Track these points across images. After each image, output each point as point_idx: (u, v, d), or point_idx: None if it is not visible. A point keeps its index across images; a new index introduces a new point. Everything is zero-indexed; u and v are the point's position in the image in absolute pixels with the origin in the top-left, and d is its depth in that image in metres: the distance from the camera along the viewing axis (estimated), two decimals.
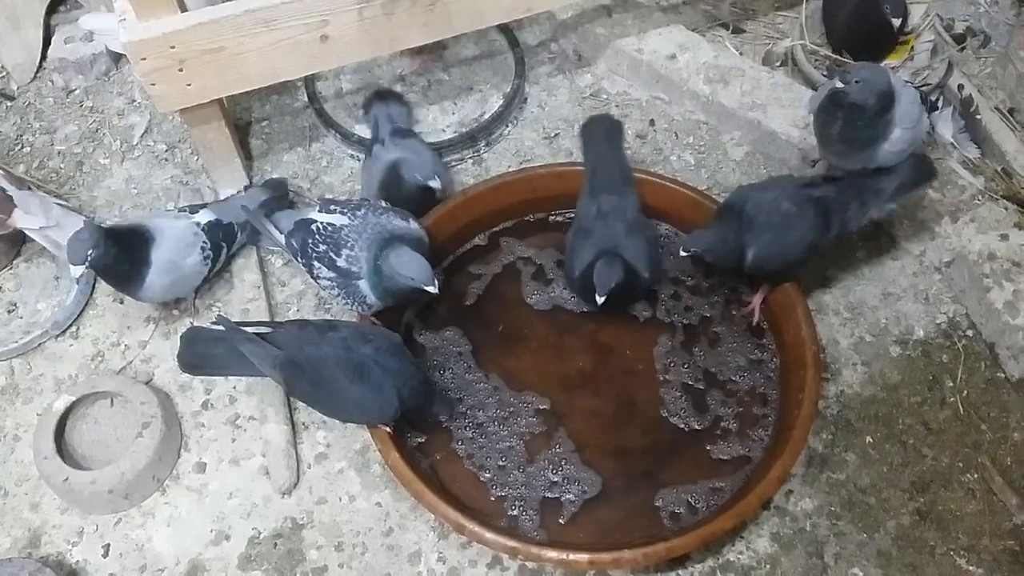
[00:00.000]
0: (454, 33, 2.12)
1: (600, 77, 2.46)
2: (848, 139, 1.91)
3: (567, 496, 1.80)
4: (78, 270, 1.79)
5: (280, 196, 2.15)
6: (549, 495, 1.80)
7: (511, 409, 1.90)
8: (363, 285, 1.83)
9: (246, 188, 2.21)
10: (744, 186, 1.97)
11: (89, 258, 1.78)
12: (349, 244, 1.84)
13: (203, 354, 1.82)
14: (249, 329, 1.80)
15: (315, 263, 1.87)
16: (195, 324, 2.03)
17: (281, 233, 1.95)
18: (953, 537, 1.80)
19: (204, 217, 2.01)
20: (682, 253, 1.88)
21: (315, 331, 1.76)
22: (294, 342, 1.75)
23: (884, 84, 1.85)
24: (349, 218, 1.87)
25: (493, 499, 1.80)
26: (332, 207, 1.90)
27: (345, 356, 1.70)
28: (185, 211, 2.05)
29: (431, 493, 1.69)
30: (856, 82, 1.83)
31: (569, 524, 1.77)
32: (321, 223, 1.87)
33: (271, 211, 2.03)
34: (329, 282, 1.86)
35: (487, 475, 1.82)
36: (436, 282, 1.78)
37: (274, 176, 2.26)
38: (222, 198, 2.18)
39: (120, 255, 1.84)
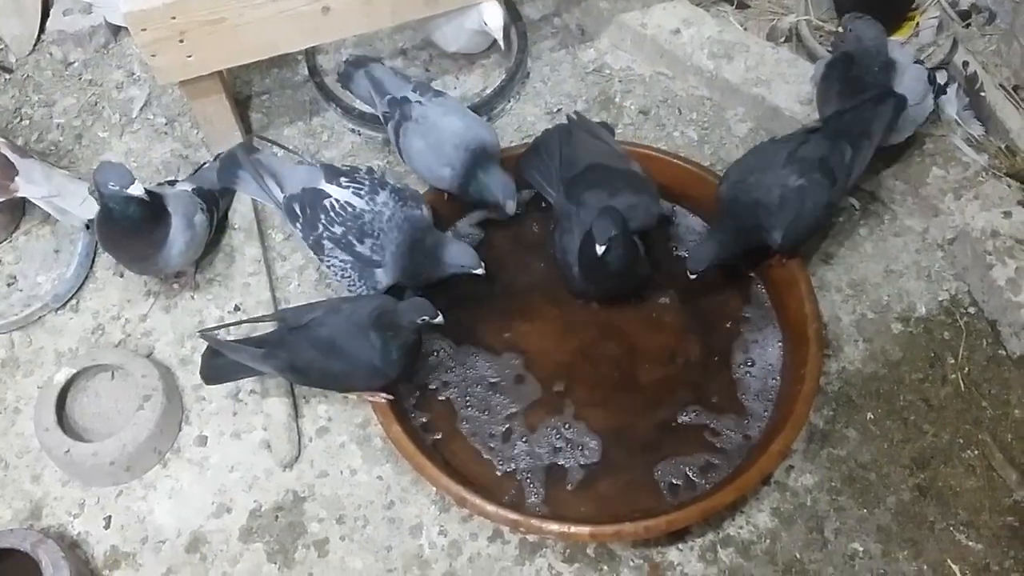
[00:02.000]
0: (456, 6, 2.11)
1: (603, 52, 2.44)
2: (845, 96, 1.92)
3: (571, 463, 1.80)
4: (138, 187, 1.76)
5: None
6: (555, 462, 1.81)
7: (510, 378, 1.90)
8: (380, 272, 1.83)
9: (216, 158, 2.18)
10: (732, 171, 1.91)
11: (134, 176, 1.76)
12: (374, 234, 1.82)
13: (221, 365, 1.83)
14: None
15: (326, 242, 1.83)
16: (199, 306, 2.04)
17: (282, 193, 1.89)
18: (953, 513, 1.80)
19: (188, 185, 2.02)
20: (691, 277, 1.86)
21: (293, 318, 1.78)
22: (275, 335, 1.78)
23: (878, 35, 1.87)
24: (368, 202, 1.83)
25: (499, 474, 1.80)
26: (343, 181, 1.85)
27: (317, 336, 1.71)
28: (164, 185, 2.05)
29: (432, 466, 1.69)
30: (849, 30, 1.86)
31: (573, 494, 1.77)
32: (336, 200, 1.83)
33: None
34: (341, 264, 1.84)
35: (492, 445, 1.83)
36: (482, 265, 1.87)
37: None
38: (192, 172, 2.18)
39: (148, 203, 1.82)
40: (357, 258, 1.83)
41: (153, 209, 1.86)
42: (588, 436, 1.83)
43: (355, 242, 1.82)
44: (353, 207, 1.83)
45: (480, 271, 1.88)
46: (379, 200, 1.84)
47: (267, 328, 1.84)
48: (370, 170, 1.94)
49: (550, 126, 2.10)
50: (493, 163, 1.97)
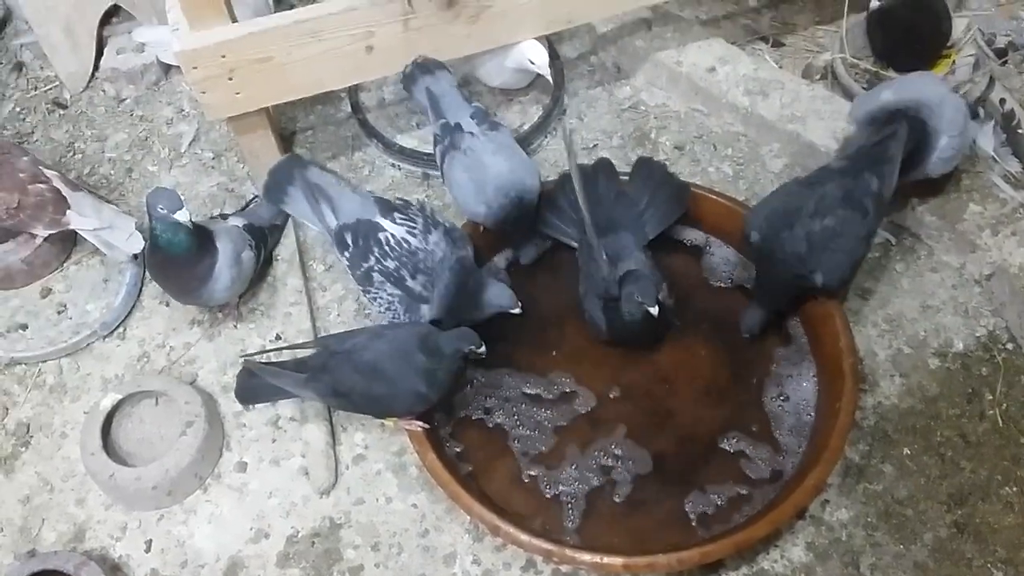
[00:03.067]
0: (496, 45, 2.16)
1: (639, 89, 2.48)
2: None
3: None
4: (185, 213, 1.80)
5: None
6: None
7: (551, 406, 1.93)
8: (425, 308, 1.86)
9: (256, 198, 2.24)
10: (759, 218, 1.90)
11: (184, 203, 1.80)
12: (427, 271, 1.85)
13: (256, 387, 1.87)
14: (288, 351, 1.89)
15: (376, 275, 1.86)
16: (242, 335, 2.08)
17: (335, 220, 1.90)
18: (991, 550, 1.78)
19: (238, 221, 2.07)
20: (747, 336, 1.93)
21: (336, 343, 1.82)
22: (316, 360, 1.81)
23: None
24: (421, 241, 1.86)
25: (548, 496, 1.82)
26: (398, 217, 1.88)
27: (360, 360, 1.75)
28: (216, 219, 2.11)
29: (467, 494, 1.71)
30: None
31: (608, 521, 1.79)
32: (391, 235, 1.86)
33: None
34: (389, 297, 1.86)
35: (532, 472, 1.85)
36: (519, 306, 1.91)
37: None
38: (239, 208, 2.24)
39: (196, 235, 1.87)
40: (407, 292, 1.85)
41: (201, 242, 1.90)
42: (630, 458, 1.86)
43: (407, 277, 1.85)
44: (408, 243, 1.86)
45: (518, 311, 1.90)
46: (431, 239, 1.87)
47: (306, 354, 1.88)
48: (422, 207, 1.95)
49: (586, 163, 2.14)
50: (527, 210, 1.99)
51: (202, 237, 1.91)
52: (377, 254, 1.86)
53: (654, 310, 1.80)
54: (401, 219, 1.88)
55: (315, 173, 1.95)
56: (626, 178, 2.10)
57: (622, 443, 1.87)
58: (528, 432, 1.89)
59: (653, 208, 2.03)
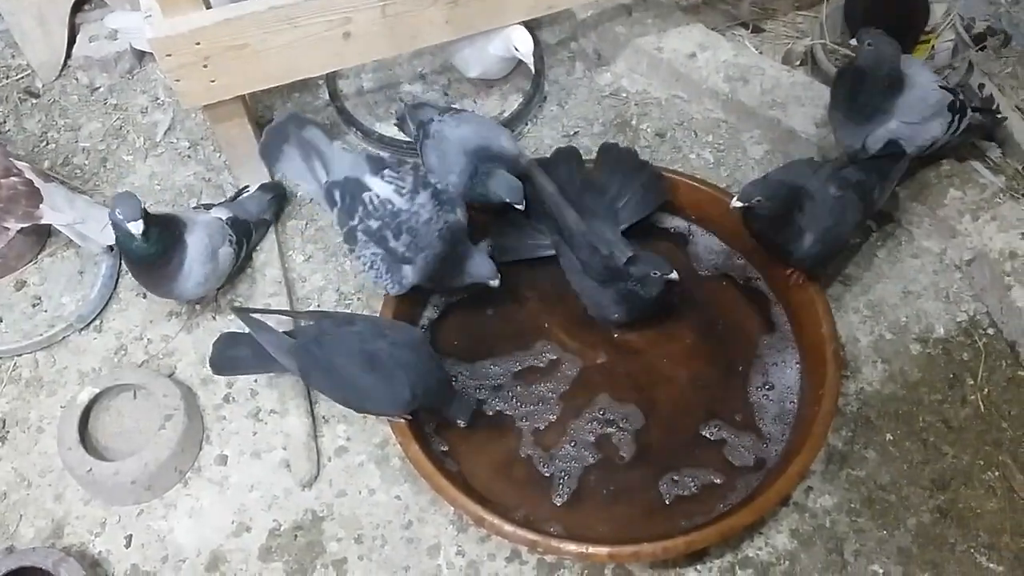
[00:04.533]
0: (475, 31, 2.14)
1: (619, 76, 2.47)
2: (848, 108, 1.98)
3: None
4: (138, 225, 1.76)
5: (279, 195, 2.20)
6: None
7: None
8: (407, 269, 1.85)
9: (245, 188, 2.21)
10: (791, 165, 1.95)
11: (143, 213, 1.76)
12: (412, 232, 1.84)
13: (232, 357, 1.86)
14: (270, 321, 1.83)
15: (360, 234, 1.86)
16: (221, 327, 2.04)
17: (325, 177, 1.91)
18: (974, 535, 1.79)
19: (223, 213, 2.04)
20: (736, 203, 1.83)
21: (332, 323, 1.80)
22: (310, 331, 1.79)
23: (893, 55, 1.89)
24: (407, 201, 1.85)
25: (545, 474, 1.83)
26: (387, 175, 1.88)
27: (359, 346, 1.73)
28: (200, 208, 2.08)
29: (451, 486, 1.70)
30: (868, 44, 1.87)
31: (592, 508, 1.79)
32: (376, 195, 1.86)
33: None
34: (371, 256, 1.86)
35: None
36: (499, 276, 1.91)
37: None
38: (226, 199, 2.20)
39: (160, 235, 1.84)
40: (389, 253, 1.85)
41: (165, 243, 1.86)
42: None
43: (390, 237, 1.84)
44: (392, 204, 1.85)
45: (495, 283, 1.90)
46: (418, 200, 1.86)
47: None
48: (416, 167, 1.95)
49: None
50: (499, 165, 1.95)
51: (166, 238, 1.86)
52: (361, 214, 1.86)
53: (674, 275, 1.82)
54: (391, 177, 1.88)
55: (312, 132, 1.95)
56: (591, 166, 2.10)
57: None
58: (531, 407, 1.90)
59: (628, 196, 2.03)
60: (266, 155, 2.00)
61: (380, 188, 1.87)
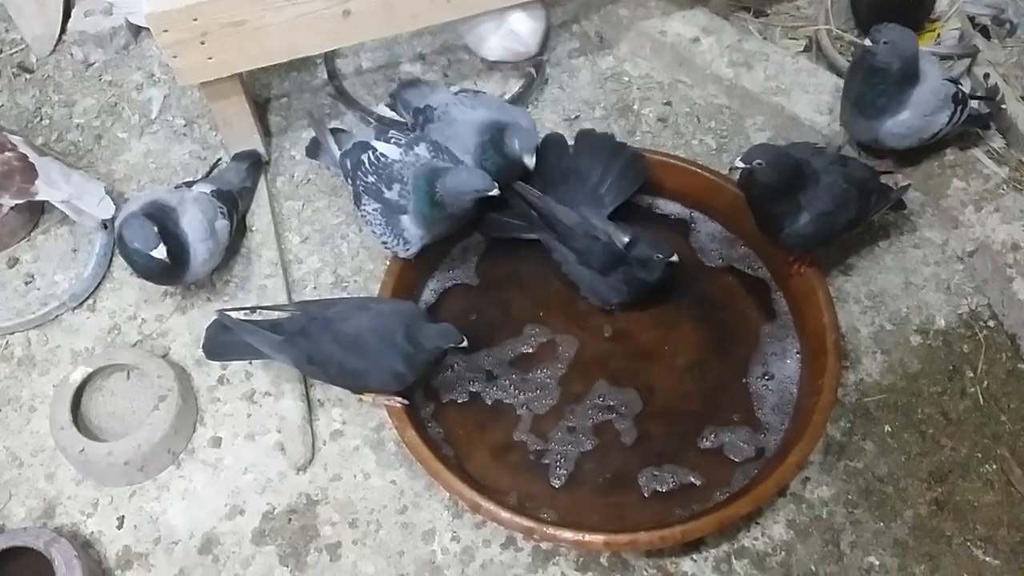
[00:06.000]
0: (476, 11, 2.12)
1: (622, 59, 2.44)
2: (860, 102, 1.96)
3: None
4: (161, 251, 1.78)
5: (255, 162, 2.18)
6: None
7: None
8: (405, 220, 1.84)
9: (219, 161, 2.21)
10: (797, 144, 1.94)
11: (159, 235, 1.78)
12: (402, 179, 1.84)
13: (225, 342, 1.84)
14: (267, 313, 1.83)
15: (362, 194, 1.88)
16: (215, 307, 2.01)
17: (340, 150, 1.98)
18: (970, 528, 1.79)
19: (206, 187, 2.02)
20: (738, 163, 1.78)
21: (318, 308, 1.79)
22: (295, 324, 1.77)
23: (911, 51, 1.86)
24: (402, 153, 1.88)
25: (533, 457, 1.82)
26: (392, 135, 1.93)
27: (343, 329, 1.71)
28: (182, 187, 2.05)
29: (447, 471, 1.68)
30: (884, 42, 1.85)
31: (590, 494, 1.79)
32: (372, 151, 1.88)
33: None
34: (372, 212, 1.87)
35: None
36: (496, 186, 1.80)
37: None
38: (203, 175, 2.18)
39: (173, 241, 1.84)
40: (385, 204, 1.85)
41: (177, 246, 1.85)
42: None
43: (384, 188, 1.85)
44: (386, 157, 1.88)
45: (495, 192, 1.79)
46: (414, 151, 1.88)
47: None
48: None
49: (567, 134, 2.10)
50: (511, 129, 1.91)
51: (174, 240, 1.85)
52: (360, 172, 1.89)
53: (675, 258, 1.83)
54: (394, 138, 1.93)
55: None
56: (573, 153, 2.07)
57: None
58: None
59: (611, 179, 2.00)
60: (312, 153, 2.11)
61: (382, 147, 1.90)
